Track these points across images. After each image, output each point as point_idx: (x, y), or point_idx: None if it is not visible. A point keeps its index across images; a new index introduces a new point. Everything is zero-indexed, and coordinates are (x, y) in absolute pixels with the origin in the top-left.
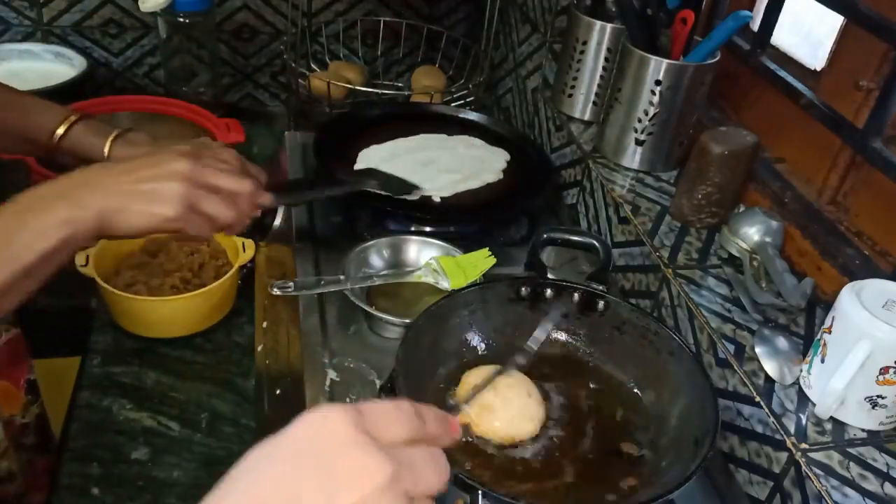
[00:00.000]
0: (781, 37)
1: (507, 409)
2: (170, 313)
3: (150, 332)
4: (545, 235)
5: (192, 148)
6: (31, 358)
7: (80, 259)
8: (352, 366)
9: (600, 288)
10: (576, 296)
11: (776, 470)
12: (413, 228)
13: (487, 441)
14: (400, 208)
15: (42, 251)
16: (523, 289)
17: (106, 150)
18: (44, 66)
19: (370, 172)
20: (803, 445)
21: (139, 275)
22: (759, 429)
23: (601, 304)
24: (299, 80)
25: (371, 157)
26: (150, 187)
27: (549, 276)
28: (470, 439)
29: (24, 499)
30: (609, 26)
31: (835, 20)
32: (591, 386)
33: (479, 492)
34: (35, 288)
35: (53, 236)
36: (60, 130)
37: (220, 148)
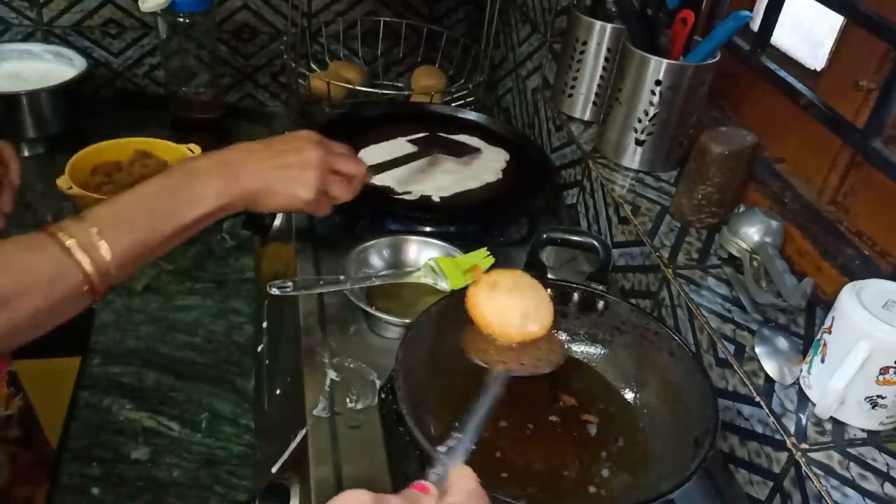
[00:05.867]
0: (781, 37)
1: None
2: None
3: None
4: (545, 235)
5: (319, 136)
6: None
7: (63, 184)
8: (352, 366)
9: (600, 288)
10: (575, 296)
11: (776, 470)
12: (413, 228)
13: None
14: (400, 208)
15: (200, 213)
16: None
17: None
18: (44, 66)
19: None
20: (803, 445)
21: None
22: (759, 429)
23: (601, 303)
24: (299, 80)
25: (371, 157)
26: (292, 173)
27: (549, 275)
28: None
29: (10, 492)
30: (609, 26)
31: (835, 20)
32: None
33: None
34: (173, 247)
35: (211, 203)
36: None
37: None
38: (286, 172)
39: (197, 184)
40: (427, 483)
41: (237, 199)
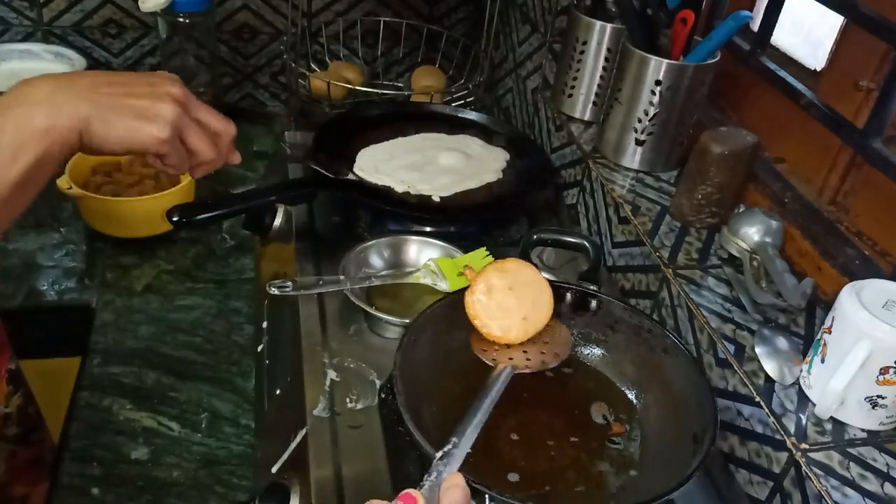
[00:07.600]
0: (781, 37)
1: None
2: (142, 211)
3: (121, 231)
4: (535, 236)
5: (179, 79)
6: (10, 347)
7: (64, 184)
8: (352, 366)
9: (592, 288)
10: (568, 296)
11: (776, 470)
12: (413, 228)
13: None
14: (400, 208)
15: (26, 165)
16: None
17: None
18: (44, 66)
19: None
20: (803, 445)
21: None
22: (759, 429)
23: (594, 303)
24: (299, 80)
25: (371, 157)
26: (143, 104)
27: (543, 275)
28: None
29: (7, 490)
30: (609, 26)
31: (835, 20)
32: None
33: (486, 496)
34: (26, 203)
35: (35, 148)
36: None
37: None
38: (134, 102)
39: (22, 124)
40: (415, 493)
41: (70, 136)
